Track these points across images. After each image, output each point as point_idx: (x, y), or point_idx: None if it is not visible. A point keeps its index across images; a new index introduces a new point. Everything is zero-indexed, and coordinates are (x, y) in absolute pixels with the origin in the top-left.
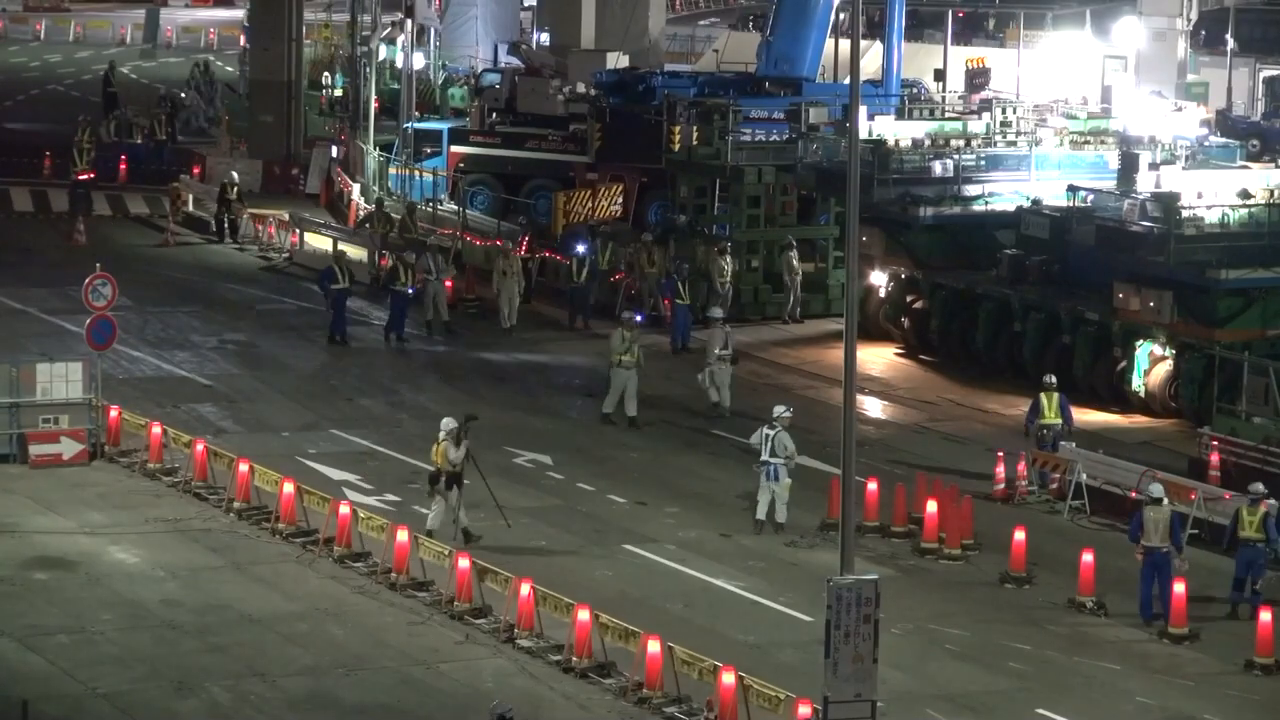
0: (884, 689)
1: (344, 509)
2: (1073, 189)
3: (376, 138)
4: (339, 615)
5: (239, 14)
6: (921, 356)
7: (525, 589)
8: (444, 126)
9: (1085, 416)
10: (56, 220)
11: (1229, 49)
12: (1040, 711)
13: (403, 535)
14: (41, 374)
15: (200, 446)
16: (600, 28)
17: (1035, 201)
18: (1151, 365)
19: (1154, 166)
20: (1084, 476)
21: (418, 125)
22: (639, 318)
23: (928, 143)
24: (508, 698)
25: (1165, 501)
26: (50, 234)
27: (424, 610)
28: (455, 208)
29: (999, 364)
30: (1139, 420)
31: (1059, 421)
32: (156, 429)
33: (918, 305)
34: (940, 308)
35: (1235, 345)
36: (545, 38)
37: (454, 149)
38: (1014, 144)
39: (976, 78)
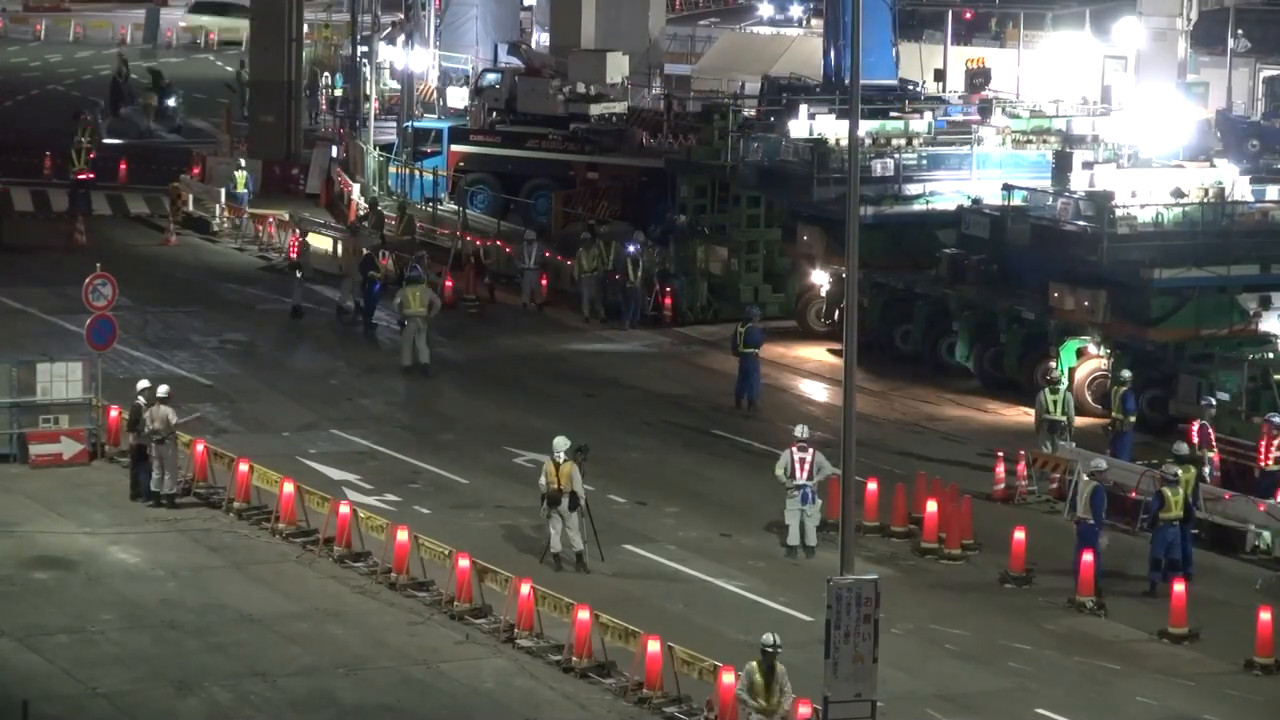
0: (884, 689)
1: (344, 509)
2: (1008, 188)
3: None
4: (339, 615)
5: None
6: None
7: (525, 589)
8: (444, 126)
9: (1015, 415)
10: (56, 220)
11: (1230, 49)
12: (1040, 711)
13: (403, 535)
14: (41, 374)
15: (200, 446)
16: (600, 28)
17: (976, 201)
18: (1079, 364)
19: (1088, 165)
20: (1084, 476)
21: (417, 125)
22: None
23: (868, 142)
24: (508, 698)
25: (1094, 476)
26: (50, 234)
27: (424, 610)
28: (455, 207)
29: (934, 363)
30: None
31: (1063, 419)
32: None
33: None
34: (878, 307)
35: (1169, 345)
36: (545, 38)
37: (454, 148)
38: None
39: (976, 78)
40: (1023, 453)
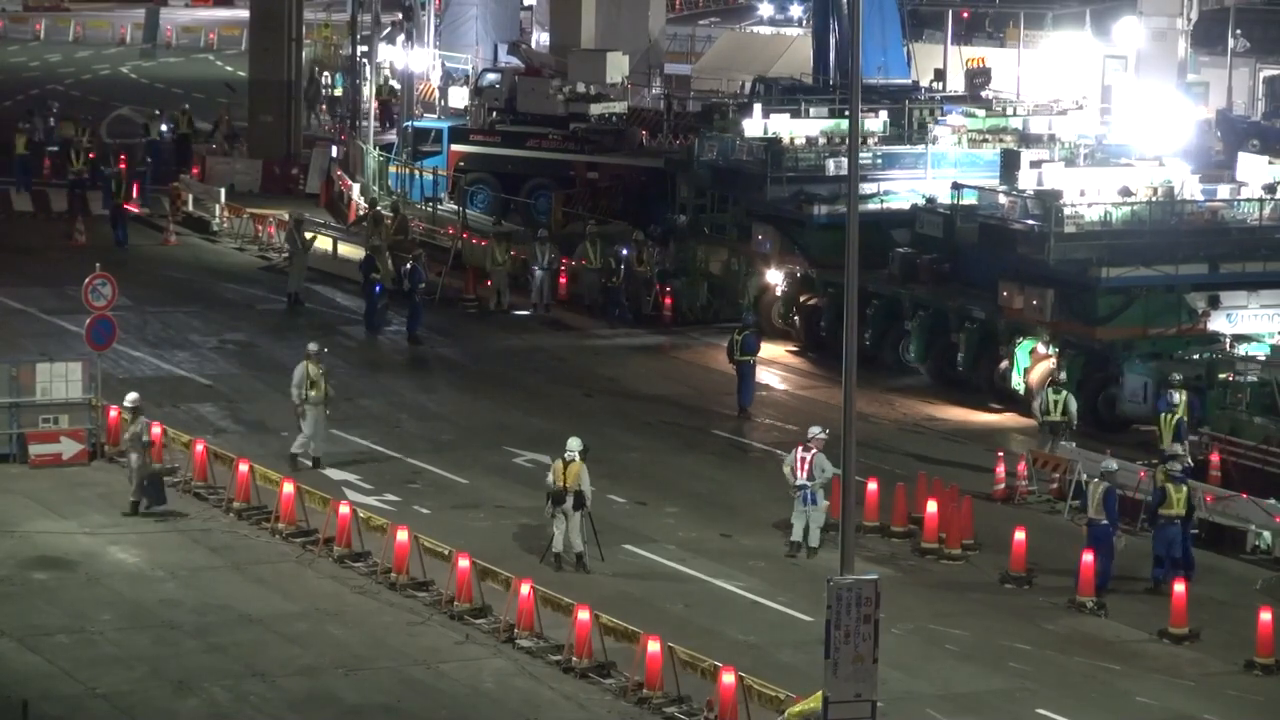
0: (884, 689)
1: (344, 509)
2: (957, 187)
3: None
4: (339, 615)
5: (240, 14)
6: (811, 355)
7: (525, 589)
8: (444, 125)
9: (968, 415)
10: (56, 220)
11: (1230, 49)
12: (1040, 711)
13: (403, 535)
14: (41, 374)
15: (200, 446)
16: (600, 28)
17: (930, 200)
18: (1033, 363)
19: (1035, 164)
20: (1084, 476)
21: (417, 125)
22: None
23: (822, 141)
24: (507, 698)
25: (1104, 476)
26: (50, 234)
27: (424, 610)
28: (455, 207)
29: (887, 362)
30: (1020, 420)
31: (1064, 419)
32: (156, 429)
33: (812, 303)
34: (832, 306)
35: (1116, 344)
36: (545, 38)
37: (454, 148)
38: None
39: (976, 78)
40: (1023, 453)
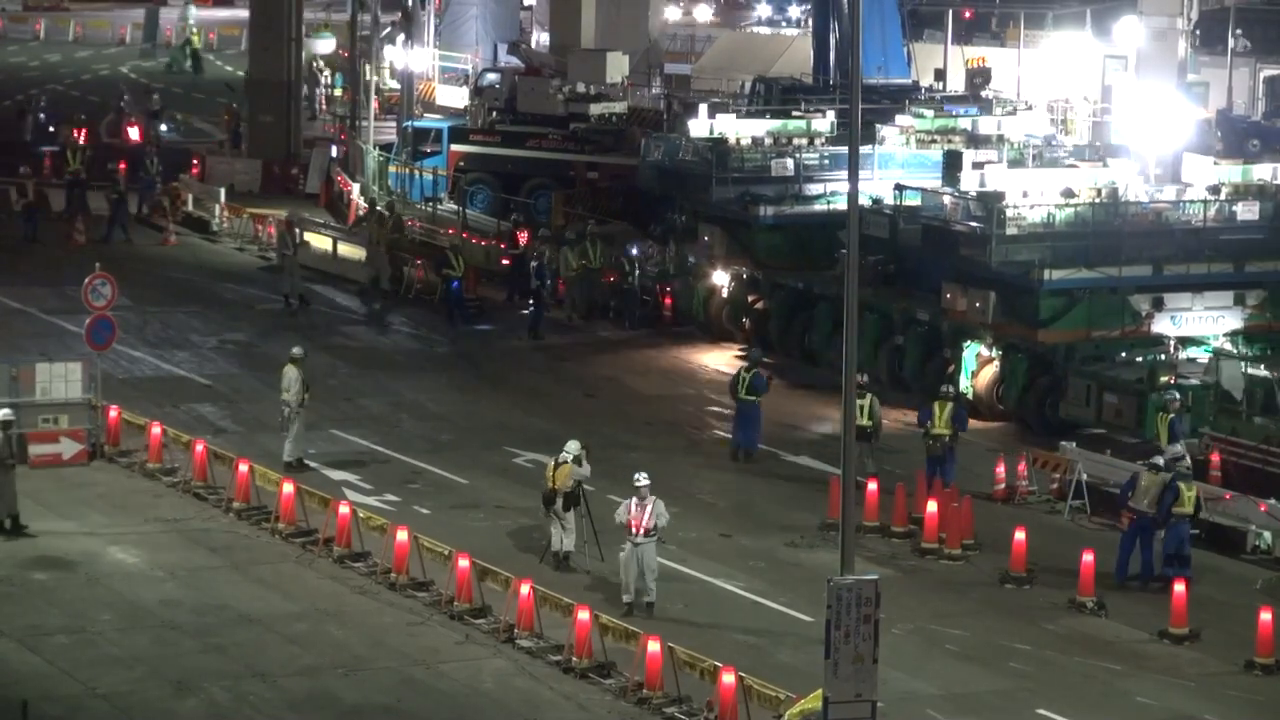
0: (884, 689)
1: (344, 509)
2: (899, 188)
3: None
4: (339, 615)
5: (240, 14)
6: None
7: (525, 589)
8: (444, 125)
9: (911, 417)
10: (56, 220)
11: (1230, 49)
12: (1040, 711)
13: (403, 535)
14: (41, 374)
15: (200, 446)
16: (600, 28)
17: (877, 201)
18: (979, 367)
19: (978, 166)
20: (1084, 476)
21: (417, 125)
22: (303, 352)
23: (769, 141)
24: (507, 698)
25: (1162, 471)
26: (50, 234)
27: (424, 610)
28: (455, 207)
29: (834, 364)
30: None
31: (947, 433)
32: (156, 429)
33: (759, 305)
34: (779, 308)
35: (1058, 346)
36: (545, 38)
37: (454, 148)
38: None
39: (976, 78)
40: (1023, 453)
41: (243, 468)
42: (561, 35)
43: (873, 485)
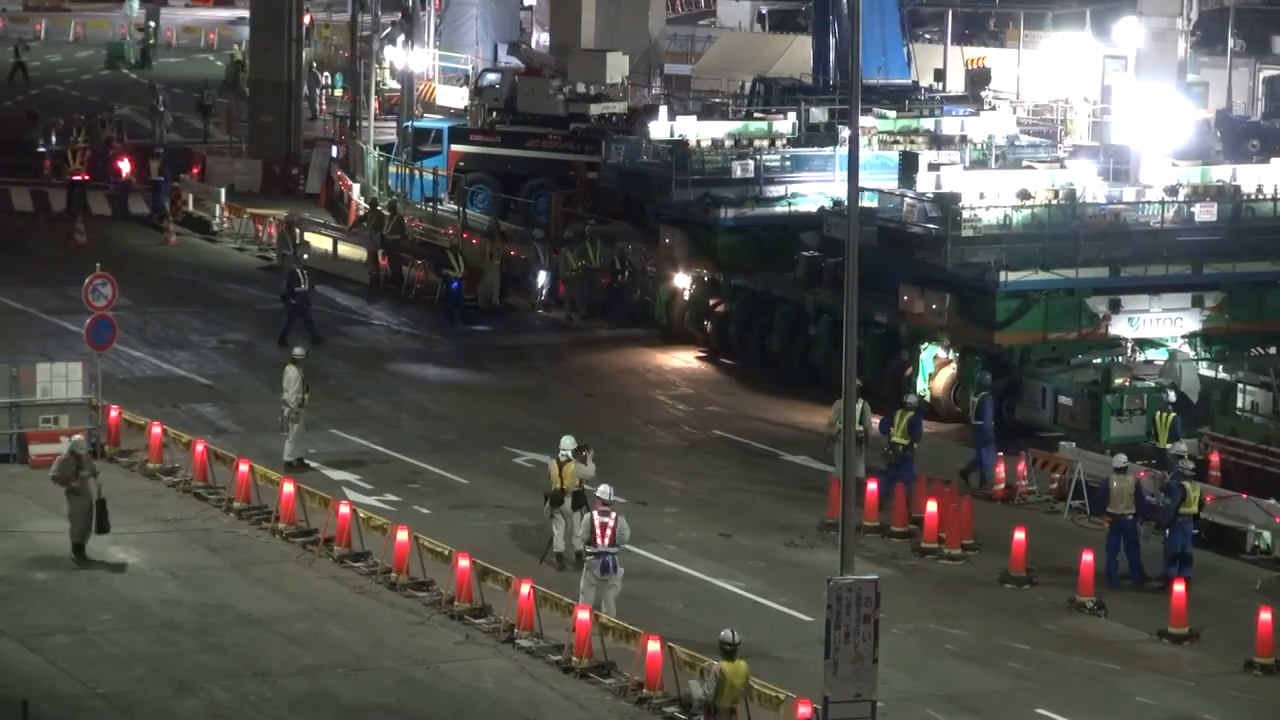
0: (884, 689)
1: (344, 509)
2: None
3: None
4: (339, 615)
5: (240, 14)
6: (722, 360)
7: (525, 589)
8: (444, 125)
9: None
10: (57, 220)
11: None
12: (1040, 711)
13: (403, 535)
14: (41, 374)
15: (200, 446)
16: (600, 28)
17: (837, 202)
18: (937, 369)
19: (934, 167)
20: (1084, 476)
21: (417, 125)
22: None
23: (729, 143)
24: (507, 698)
25: (1129, 471)
26: (50, 234)
27: (424, 610)
28: (455, 207)
29: (795, 368)
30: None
31: (904, 442)
32: (156, 429)
33: (720, 308)
34: (740, 310)
35: (1014, 348)
36: (545, 38)
37: (454, 148)
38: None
39: (976, 78)
40: (1023, 453)
41: (243, 468)
42: (561, 35)
43: (872, 485)
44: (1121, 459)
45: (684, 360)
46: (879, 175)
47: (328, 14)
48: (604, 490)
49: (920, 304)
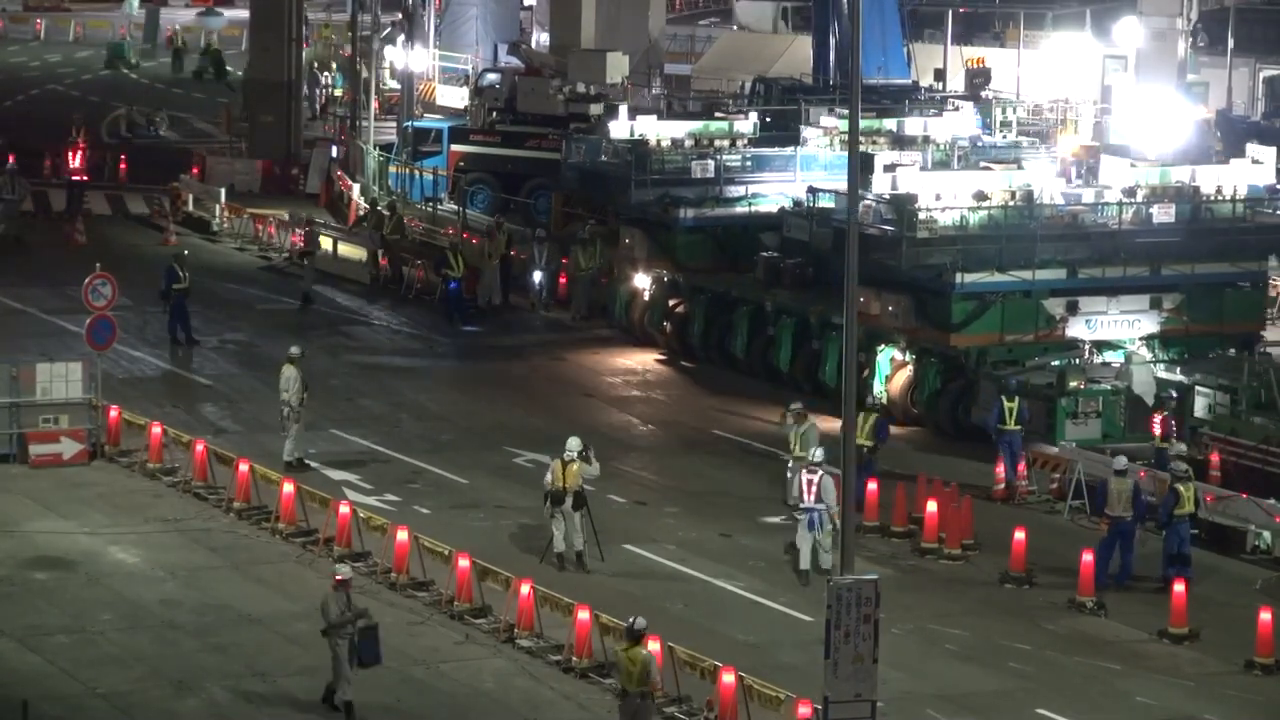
0: (884, 689)
1: (344, 509)
2: (812, 190)
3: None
4: None
5: (240, 14)
6: (683, 362)
7: (525, 589)
8: (444, 125)
9: (828, 424)
10: (56, 220)
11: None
12: (1040, 711)
13: (403, 535)
14: (41, 374)
15: (200, 446)
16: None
17: (797, 203)
18: (893, 371)
19: (889, 168)
20: (1084, 476)
21: (417, 125)
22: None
23: (689, 143)
24: (507, 698)
25: (1129, 473)
26: (50, 234)
27: (424, 610)
28: (455, 207)
29: (756, 369)
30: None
31: (869, 444)
32: (156, 429)
33: (680, 309)
34: (700, 312)
35: (971, 350)
36: (545, 38)
37: (454, 148)
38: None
39: (976, 78)
40: (1023, 453)
41: (243, 468)
42: (561, 35)
43: (872, 485)
44: (1122, 461)
45: (642, 361)
46: (840, 175)
47: (328, 14)
48: (816, 453)
49: (877, 306)
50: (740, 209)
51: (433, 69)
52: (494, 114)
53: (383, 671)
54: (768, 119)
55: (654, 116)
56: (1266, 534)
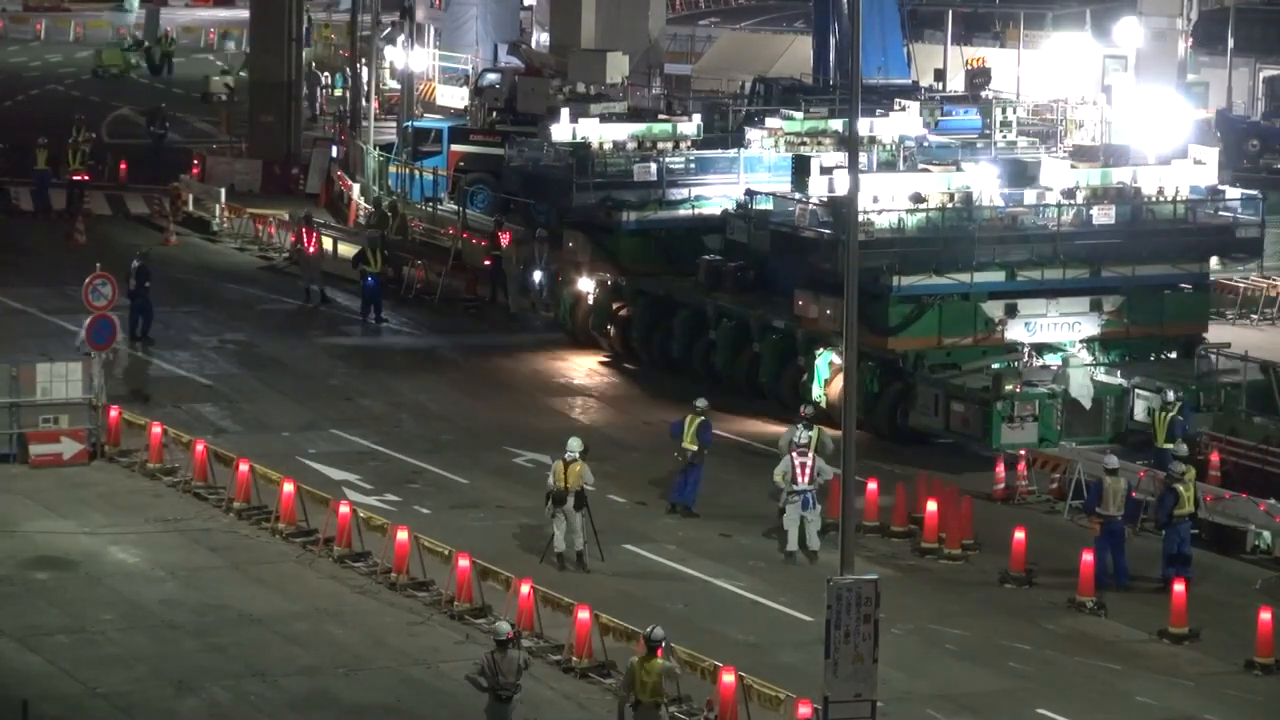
0: (884, 689)
1: (344, 509)
2: (750, 193)
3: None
4: (339, 615)
5: (240, 14)
6: (626, 365)
7: (525, 589)
8: (444, 125)
9: (768, 428)
10: (56, 220)
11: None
12: (1040, 711)
13: (403, 535)
14: (41, 374)
15: (200, 446)
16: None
17: (740, 205)
18: (832, 375)
19: (825, 170)
20: (1084, 476)
21: (417, 125)
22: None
23: (632, 145)
24: None
25: (1121, 473)
26: (50, 234)
27: (424, 610)
28: (455, 207)
29: (696, 373)
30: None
31: (694, 447)
32: (157, 429)
33: (623, 312)
34: (642, 315)
35: (909, 354)
36: (545, 38)
37: (454, 148)
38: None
39: (976, 78)
40: (1023, 453)
41: (243, 468)
42: (561, 35)
43: (872, 485)
44: (1113, 460)
45: (583, 365)
46: (782, 177)
47: (328, 14)
48: (801, 435)
49: (815, 309)
50: (683, 212)
51: (433, 69)
52: (494, 114)
53: (383, 671)
54: (756, 118)
55: (595, 119)
56: (1266, 534)
